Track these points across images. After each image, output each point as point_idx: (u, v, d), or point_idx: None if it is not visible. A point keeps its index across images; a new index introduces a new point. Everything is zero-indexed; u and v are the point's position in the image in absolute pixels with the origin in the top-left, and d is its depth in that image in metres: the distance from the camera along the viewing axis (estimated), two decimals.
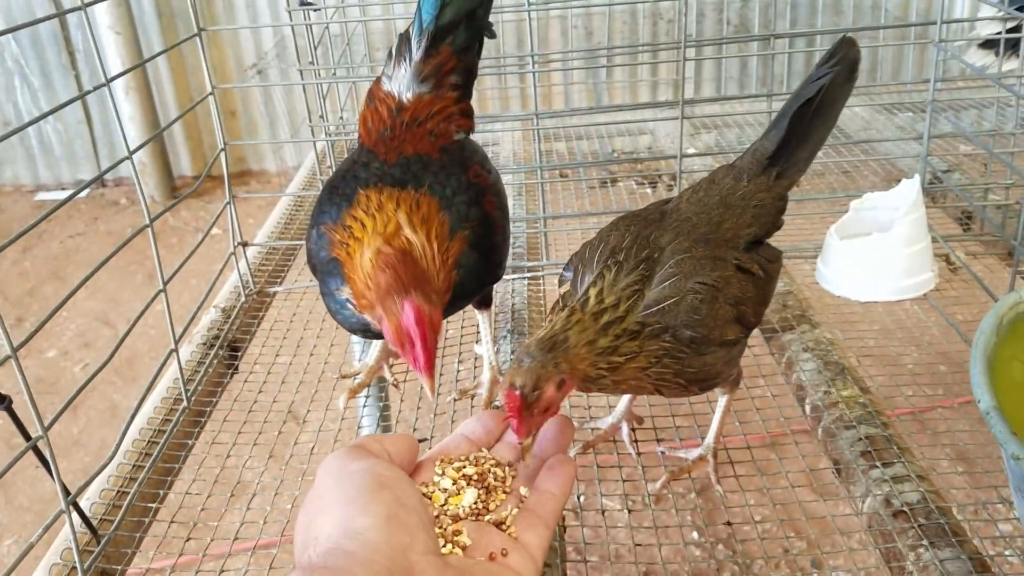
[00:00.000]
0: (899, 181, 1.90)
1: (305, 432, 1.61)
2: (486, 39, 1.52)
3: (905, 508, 1.26)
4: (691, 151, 2.64)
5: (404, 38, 1.43)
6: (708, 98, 2.39)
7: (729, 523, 1.36)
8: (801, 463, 1.48)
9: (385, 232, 1.22)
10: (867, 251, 1.77)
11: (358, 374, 1.67)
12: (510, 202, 2.44)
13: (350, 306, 1.27)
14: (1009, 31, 2.41)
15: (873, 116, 2.88)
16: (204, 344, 1.83)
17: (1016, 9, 2.32)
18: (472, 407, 1.61)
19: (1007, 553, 1.19)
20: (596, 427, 1.52)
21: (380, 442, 0.98)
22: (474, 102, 1.52)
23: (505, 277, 2.04)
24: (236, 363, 1.82)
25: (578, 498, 1.63)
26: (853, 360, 1.63)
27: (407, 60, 1.42)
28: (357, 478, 0.89)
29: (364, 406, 1.76)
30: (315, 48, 1.92)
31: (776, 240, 2.11)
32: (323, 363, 1.80)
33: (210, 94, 1.83)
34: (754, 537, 1.39)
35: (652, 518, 1.35)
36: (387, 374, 1.69)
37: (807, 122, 1.33)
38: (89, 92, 1.41)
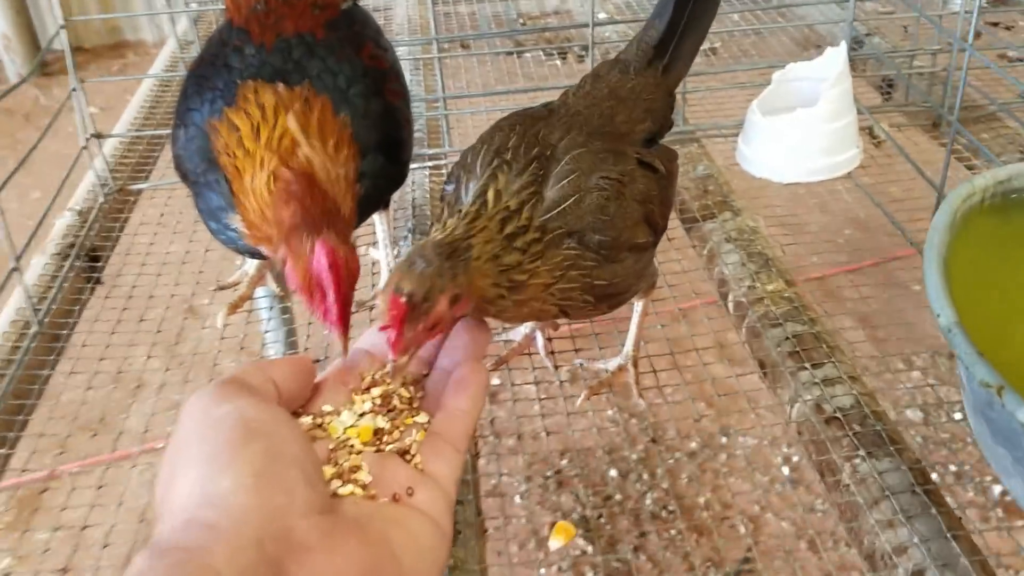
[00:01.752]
0: (819, 48, 1.76)
1: (179, 362, 1.42)
2: None
3: (838, 414, 1.18)
4: (602, 16, 2.43)
5: None
6: None
7: (642, 395, 1.30)
8: (711, 338, 1.41)
9: (280, 148, 1.03)
10: (791, 128, 1.64)
11: (237, 284, 1.49)
12: (406, 80, 2.22)
13: (238, 233, 1.09)
14: None
15: None
16: (58, 254, 1.60)
17: None
18: (372, 321, 1.45)
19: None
20: (509, 339, 1.38)
21: (264, 370, 0.80)
22: None
23: None
24: (97, 275, 1.60)
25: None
26: (779, 250, 1.53)
27: None
28: (222, 427, 0.71)
29: (267, 320, 1.58)
30: None
31: (694, 116, 1.97)
32: (198, 272, 1.60)
33: None
34: (665, 410, 1.34)
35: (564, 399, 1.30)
36: (272, 284, 1.50)
37: (692, 6, 1.22)
38: None
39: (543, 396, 1.31)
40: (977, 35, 2.29)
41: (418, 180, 1.78)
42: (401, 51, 2.30)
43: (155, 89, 2.12)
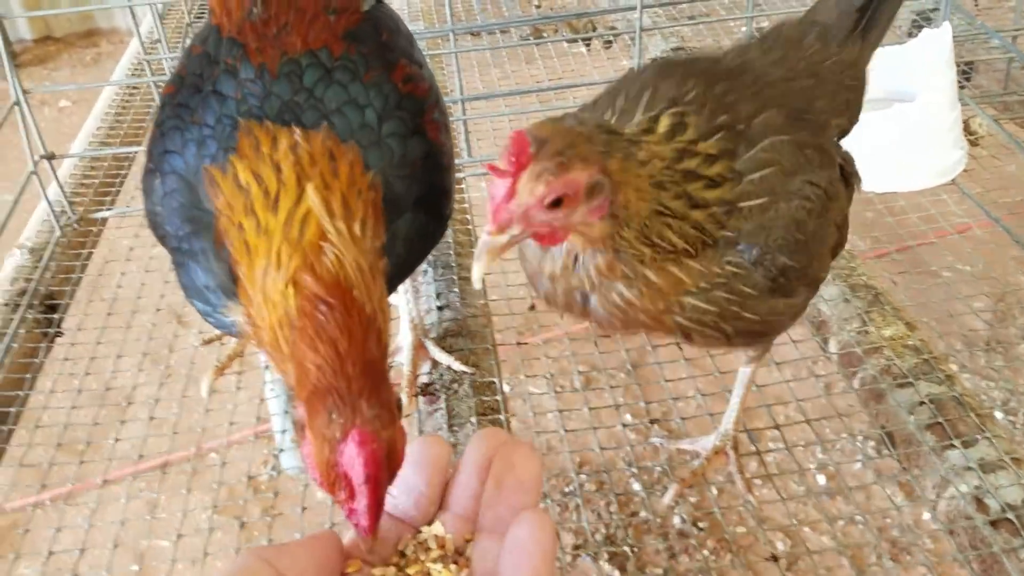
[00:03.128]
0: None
1: (160, 437, 1.15)
2: None
3: (1009, 515, 0.91)
4: None
5: None
6: None
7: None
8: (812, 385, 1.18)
9: (303, 239, 0.76)
10: (886, 127, 1.36)
11: (223, 338, 1.21)
12: None
13: (237, 328, 0.83)
14: None
15: None
16: (7, 304, 1.31)
17: None
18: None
19: None
20: (693, 449, 1.09)
21: (281, 557, 0.56)
22: None
23: None
24: (54, 328, 1.32)
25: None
26: (888, 280, 1.25)
27: None
28: None
29: (268, 382, 1.31)
30: None
31: None
32: (174, 319, 1.31)
33: None
34: (692, 413, 1.17)
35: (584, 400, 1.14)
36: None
37: None
38: None
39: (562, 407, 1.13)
40: None
41: None
42: None
43: (120, 94, 1.81)
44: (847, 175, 0.91)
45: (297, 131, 0.82)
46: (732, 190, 0.76)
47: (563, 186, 0.66)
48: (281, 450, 1.53)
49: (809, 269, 0.83)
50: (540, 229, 0.69)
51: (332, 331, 0.71)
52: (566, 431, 1.12)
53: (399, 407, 0.70)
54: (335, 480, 0.67)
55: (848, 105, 0.94)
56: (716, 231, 0.76)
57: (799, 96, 0.88)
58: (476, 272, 0.70)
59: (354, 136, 0.83)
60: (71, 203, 1.49)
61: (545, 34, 2.15)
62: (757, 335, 0.87)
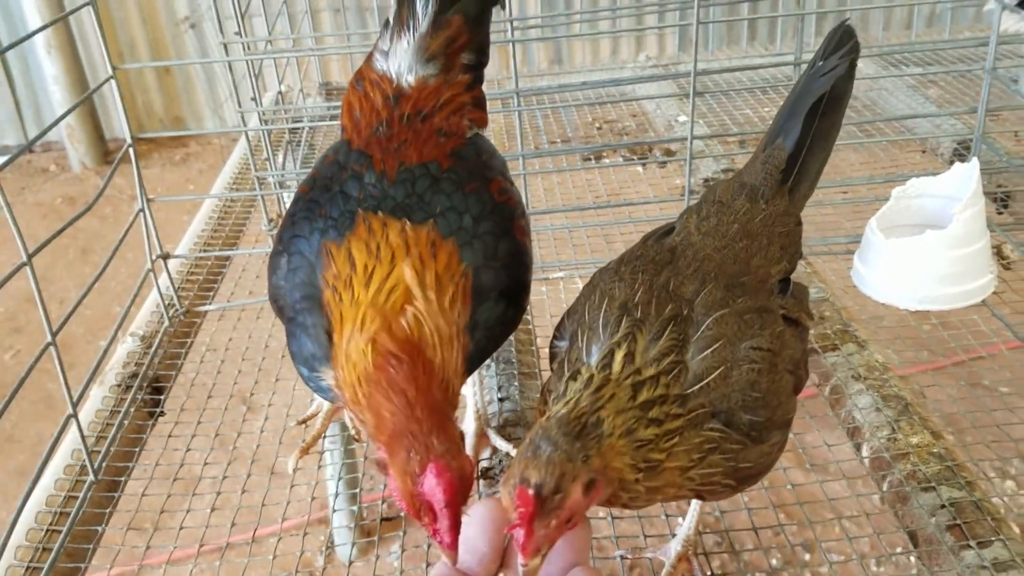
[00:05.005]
0: (923, 153, 1.61)
1: (250, 509, 1.28)
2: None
3: None
4: (682, 118, 2.32)
5: (406, 3, 1.12)
6: (723, 68, 2.04)
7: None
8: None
9: (387, 304, 0.92)
10: (920, 252, 1.48)
11: (314, 417, 1.35)
12: None
13: (331, 391, 0.97)
14: None
15: (877, 72, 2.55)
16: (119, 385, 1.49)
17: None
18: None
19: None
20: (654, 557, 1.16)
21: None
22: None
23: None
24: (160, 408, 1.48)
25: None
26: (919, 393, 1.35)
27: (409, 32, 1.11)
28: None
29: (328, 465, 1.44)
30: (242, 16, 1.55)
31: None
32: (266, 405, 1.47)
33: (110, 78, 1.46)
34: (743, 522, 1.20)
35: None
36: (348, 420, 1.37)
37: (818, 124, 1.10)
38: (5, 49, 1.11)
39: None
40: None
41: None
42: None
43: (220, 205, 2.03)
44: (795, 319, 1.00)
45: (407, 222, 0.98)
46: (674, 384, 0.87)
47: (568, 512, 0.78)
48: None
49: (774, 417, 0.92)
50: (561, 533, 0.80)
51: (401, 382, 0.85)
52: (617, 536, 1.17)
53: (463, 440, 0.85)
54: (420, 507, 0.82)
55: (784, 250, 1.05)
56: (684, 423, 0.86)
57: (735, 262, 1.00)
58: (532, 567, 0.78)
59: (454, 235, 0.98)
60: (179, 296, 1.68)
61: (605, 155, 2.34)
62: (757, 475, 0.96)
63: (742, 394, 0.89)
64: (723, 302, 0.94)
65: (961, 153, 2.08)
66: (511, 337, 1.55)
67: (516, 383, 1.43)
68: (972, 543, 1.08)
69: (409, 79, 1.12)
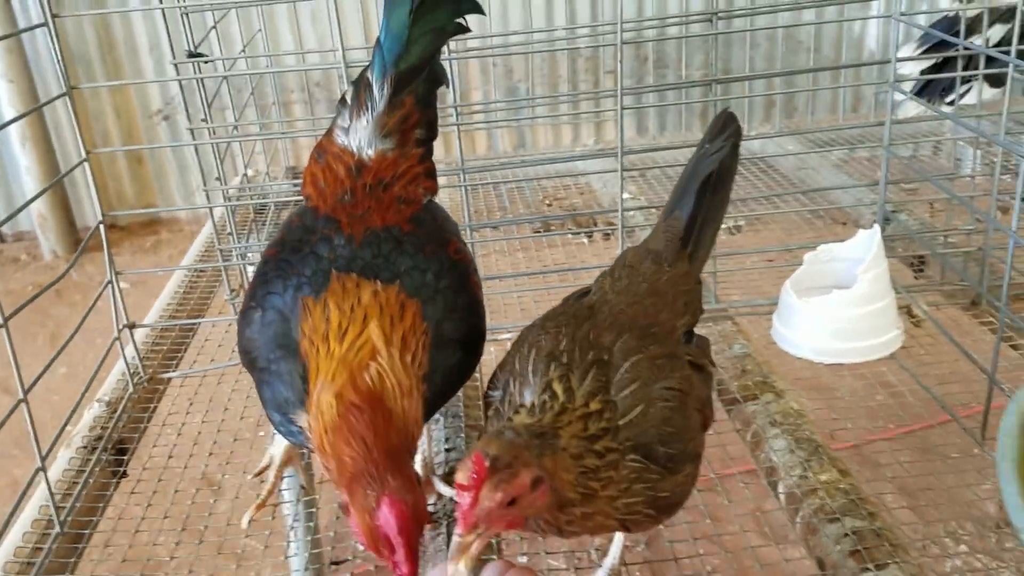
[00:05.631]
0: (844, 225, 1.77)
1: (208, 553, 1.36)
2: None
3: None
4: (626, 195, 2.48)
5: (363, 84, 1.23)
6: (647, 148, 2.23)
7: None
8: (750, 505, 1.34)
9: (355, 360, 1.01)
10: (828, 310, 1.62)
11: (266, 471, 1.41)
12: None
13: (302, 431, 1.06)
14: (931, 70, 2.30)
15: (809, 157, 2.76)
16: (85, 447, 1.56)
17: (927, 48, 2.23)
18: None
19: None
20: None
21: None
22: None
23: None
24: (123, 468, 1.56)
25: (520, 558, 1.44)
26: (828, 436, 1.47)
27: (368, 111, 1.22)
28: None
29: (292, 521, 1.50)
30: (208, 104, 1.69)
31: (725, 294, 1.97)
32: (225, 461, 1.55)
33: (83, 161, 1.58)
34: (664, 553, 1.29)
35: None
36: (301, 475, 1.45)
37: (709, 198, 1.25)
38: None
39: None
40: (1004, 212, 2.32)
41: None
42: None
43: (186, 278, 2.15)
44: (699, 365, 1.13)
45: (378, 283, 1.08)
46: (612, 418, 0.97)
47: (514, 490, 0.86)
48: None
49: (686, 449, 1.03)
50: (500, 523, 0.88)
51: (361, 429, 0.95)
52: None
53: (419, 480, 0.94)
54: (378, 540, 0.90)
55: (687, 306, 1.19)
56: (617, 455, 0.96)
57: (645, 316, 1.12)
58: (451, 570, 0.85)
59: (418, 293, 1.09)
60: (143, 364, 1.77)
61: (553, 227, 2.49)
62: (674, 506, 1.06)
63: (658, 429, 1.00)
64: (637, 349, 1.06)
65: (882, 226, 2.25)
66: (460, 392, 1.66)
67: (463, 435, 1.53)
68: (871, 566, 1.18)
69: (369, 152, 1.23)
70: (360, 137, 1.23)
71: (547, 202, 2.77)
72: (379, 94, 1.22)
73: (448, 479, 1.40)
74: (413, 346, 1.05)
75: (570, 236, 2.43)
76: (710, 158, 1.23)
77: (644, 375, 1.02)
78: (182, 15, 1.68)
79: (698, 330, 1.69)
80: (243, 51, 2.26)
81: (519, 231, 2.48)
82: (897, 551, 1.21)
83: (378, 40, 1.23)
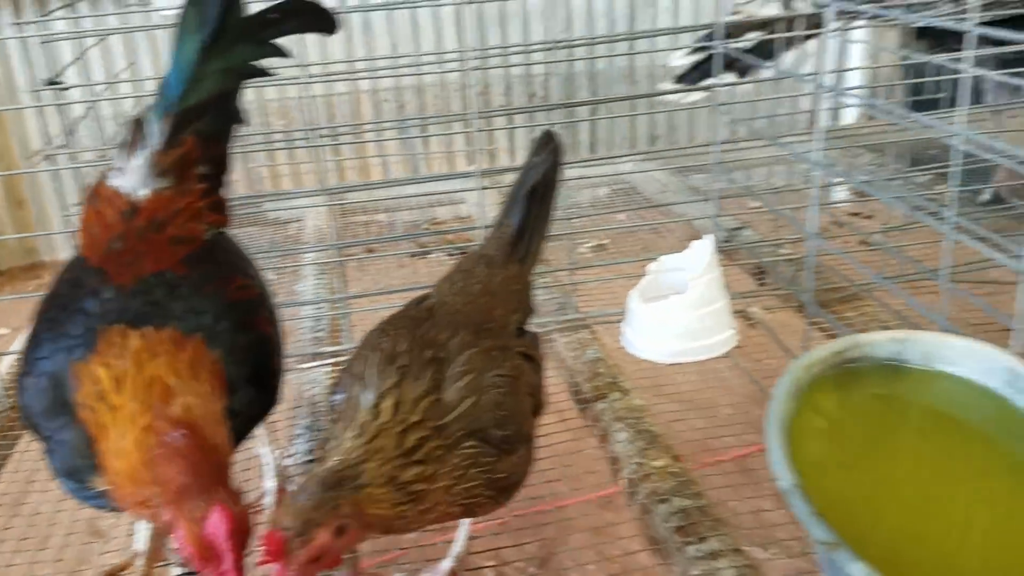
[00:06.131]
0: (700, 239, 1.92)
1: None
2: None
3: None
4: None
5: (139, 123, 1.19)
6: (504, 168, 2.37)
7: None
8: (638, 523, 1.42)
9: (150, 399, 0.98)
10: (667, 314, 1.76)
11: (126, 568, 1.36)
12: (311, 282, 2.31)
13: (102, 497, 1.02)
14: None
15: (669, 179, 2.96)
16: None
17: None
18: None
19: None
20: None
21: None
22: (282, 176, 1.35)
23: (303, 365, 1.89)
24: None
25: None
26: (664, 427, 1.59)
27: (143, 149, 1.17)
28: None
29: None
30: (68, 132, 1.72)
31: (584, 304, 2.09)
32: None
33: None
34: (508, 541, 1.36)
35: None
36: (173, 558, 1.35)
37: (536, 207, 1.34)
38: None
39: None
40: (840, 225, 2.53)
41: (317, 378, 1.82)
42: (308, 256, 2.42)
43: None
44: (529, 356, 1.23)
45: (148, 329, 1.04)
46: (438, 420, 1.04)
47: (315, 550, 0.91)
48: None
49: (520, 431, 1.12)
50: (319, 570, 0.93)
51: (184, 449, 0.95)
52: None
53: (241, 496, 0.95)
54: (206, 550, 0.91)
55: (520, 303, 1.28)
56: (443, 450, 1.03)
57: (479, 313, 1.21)
58: None
59: (195, 333, 1.07)
60: (7, 392, 1.78)
61: (429, 246, 2.61)
62: (513, 486, 1.14)
63: (492, 413, 1.09)
64: (472, 343, 1.14)
65: (727, 238, 2.43)
66: (325, 408, 1.72)
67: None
68: (694, 539, 1.30)
69: (143, 193, 1.17)
70: (133, 178, 1.17)
71: (426, 227, 2.87)
72: (156, 133, 1.18)
73: None
74: (205, 376, 1.03)
75: (445, 257, 2.54)
76: (533, 171, 1.34)
77: (478, 366, 1.11)
78: (41, 44, 1.71)
79: (561, 338, 1.83)
80: (118, 76, 2.29)
81: (398, 258, 2.57)
82: (719, 526, 1.33)
83: (165, 77, 1.19)
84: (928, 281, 1.74)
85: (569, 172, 2.47)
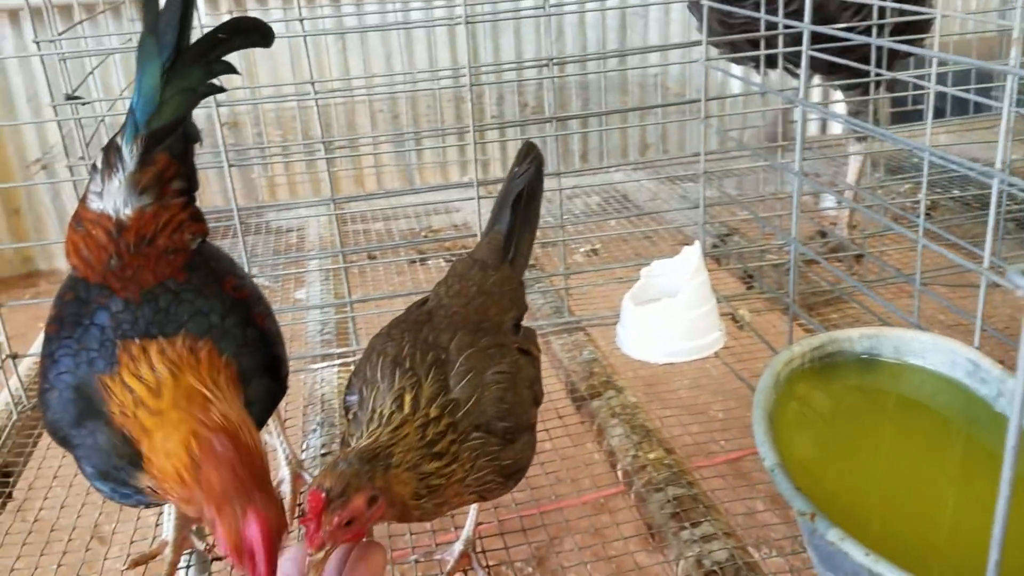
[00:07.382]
0: (690, 245, 2.01)
1: None
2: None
3: (715, 568, 1.29)
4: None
5: (112, 147, 1.22)
6: (498, 179, 2.45)
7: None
8: (637, 524, 1.50)
9: (191, 407, 1.04)
10: (658, 316, 1.85)
11: (158, 555, 1.41)
12: (317, 288, 2.39)
13: (146, 491, 1.08)
14: None
15: (659, 187, 3.06)
16: None
17: None
18: None
19: None
20: (442, 558, 1.41)
21: None
22: (280, 186, 1.43)
23: (313, 366, 1.97)
24: (9, 489, 1.64)
25: None
26: (657, 422, 1.68)
27: (120, 172, 1.20)
28: None
29: None
30: (87, 144, 1.80)
31: (579, 308, 2.18)
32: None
33: None
34: (515, 525, 1.43)
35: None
36: (197, 543, 1.45)
37: (522, 213, 1.42)
38: None
39: None
40: (823, 234, 2.63)
41: (327, 377, 1.90)
42: (313, 262, 2.50)
43: None
44: (526, 351, 1.30)
45: (161, 339, 1.10)
46: (452, 416, 1.11)
47: (349, 513, 0.98)
48: None
49: (521, 422, 1.20)
50: (345, 539, 1.00)
51: (227, 455, 1.00)
52: None
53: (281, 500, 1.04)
54: (242, 550, 0.97)
55: (513, 302, 1.35)
56: (457, 446, 1.10)
57: (476, 313, 1.29)
58: (312, 570, 0.96)
59: (206, 335, 1.13)
60: (27, 393, 1.85)
61: (428, 256, 2.69)
62: (519, 470, 1.22)
63: (494, 407, 1.16)
64: (470, 343, 1.22)
65: (716, 244, 2.53)
66: (335, 405, 1.80)
67: (338, 442, 1.68)
68: (687, 524, 1.39)
69: (127, 212, 1.20)
70: (115, 199, 1.20)
71: (424, 234, 2.96)
72: (129, 155, 1.21)
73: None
74: (223, 383, 1.09)
75: (443, 263, 2.62)
76: (518, 179, 1.42)
77: (477, 365, 1.18)
78: (60, 61, 1.79)
79: (557, 340, 1.92)
80: (123, 93, 2.37)
81: (397, 264, 2.66)
82: (711, 511, 1.42)
83: (131, 104, 1.23)
84: (909, 285, 1.84)
85: (564, 182, 2.59)
